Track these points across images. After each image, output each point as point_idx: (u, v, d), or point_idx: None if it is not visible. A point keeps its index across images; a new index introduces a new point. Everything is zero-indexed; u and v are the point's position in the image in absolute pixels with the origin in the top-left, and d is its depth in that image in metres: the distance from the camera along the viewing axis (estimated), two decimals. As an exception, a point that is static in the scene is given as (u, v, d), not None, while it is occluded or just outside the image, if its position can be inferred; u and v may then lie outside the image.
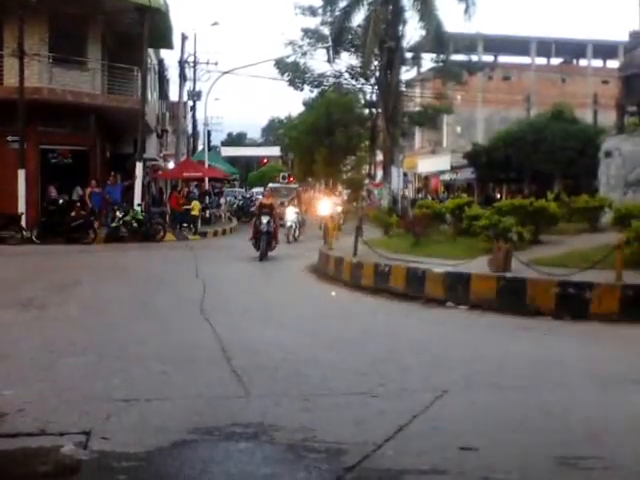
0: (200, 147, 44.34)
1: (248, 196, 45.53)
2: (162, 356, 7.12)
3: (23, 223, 21.95)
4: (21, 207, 22.48)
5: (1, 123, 23.00)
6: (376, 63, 35.97)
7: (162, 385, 6.13)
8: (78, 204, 23.33)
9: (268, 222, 17.54)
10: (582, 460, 4.47)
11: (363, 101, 45.95)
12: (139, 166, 25.58)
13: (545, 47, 55.80)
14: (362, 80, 42.25)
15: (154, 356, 7.12)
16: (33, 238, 21.41)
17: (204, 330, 8.53)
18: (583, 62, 59.00)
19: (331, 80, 43.35)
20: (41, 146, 24.22)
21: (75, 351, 7.32)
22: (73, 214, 22.40)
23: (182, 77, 38.65)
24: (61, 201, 23.38)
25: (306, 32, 40.14)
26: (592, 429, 5.10)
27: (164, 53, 39.72)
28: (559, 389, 6.17)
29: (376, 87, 38.84)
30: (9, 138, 23.06)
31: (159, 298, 11.38)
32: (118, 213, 22.83)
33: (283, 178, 48.53)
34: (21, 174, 22.74)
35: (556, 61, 59.74)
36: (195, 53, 40.77)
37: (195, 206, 27.82)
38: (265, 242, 17.31)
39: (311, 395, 5.83)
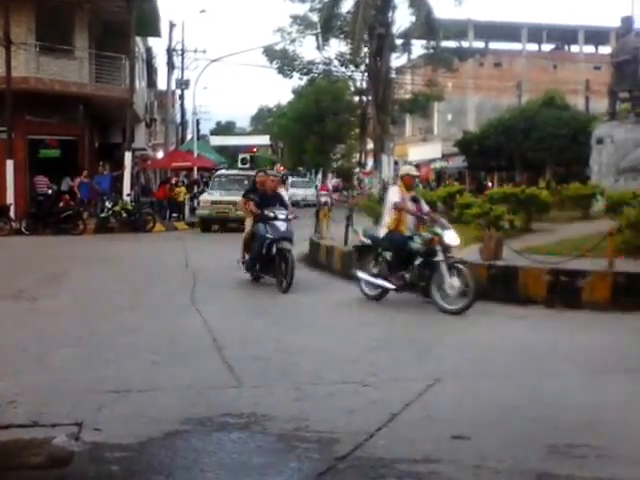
0: (189, 136, 44.16)
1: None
2: (153, 347, 7.11)
3: (12, 214, 21.83)
4: (10, 198, 22.37)
5: (-12, 113, 22.83)
6: (366, 50, 35.94)
7: (154, 376, 6.11)
8: (67, 195, 23.21)
9: (287, 220, 11.20)
10: (575, 448, 4.49)
11: (353, 88, 45.93)
12: (128, 156, 25.49)
13: (536, 33, 55.82)
14: (352, 67, 42.23)
15: (145, 347, 7.10)
16: (22, 229, 21.29)
17: (195, 320, 8.51)
18: (575, 48, 59.08)
19: (320, 67, 43.31)
20: (29, 136, 24.08)
21: (67, 342, 7.29)
22: (62, 205, 22.29)
23: (170, 65, 38.43)
24: (50, 192, 23.25)
25: (295, 19, 40.02)
26: (585, 417, 5.12)
27: (152, 41, 39.55)
28: (551, 377, 6.18)
29: (366, 74, 38.84)
30: (-4, 129, 22.91)
31: (150, 288, 11.34)
32: (107, 203, 22.74)
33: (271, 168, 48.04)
34: (9, 165, 22.60)
35: (547, 47, 59.80)
36: (183, 41, 40.61)
37: (179, 192, 27.75)
38: (290, 265, 10.60)
39: (303, 385, 5.83)
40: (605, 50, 51.94)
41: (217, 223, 23.13)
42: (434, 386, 5.78)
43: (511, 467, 4.20)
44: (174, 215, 27.59)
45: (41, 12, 23.86)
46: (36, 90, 23.06)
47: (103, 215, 22.58)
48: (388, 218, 9.87)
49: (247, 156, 27.38)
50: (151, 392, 5.65)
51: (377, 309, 9.58)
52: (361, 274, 10.05)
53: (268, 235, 10.87)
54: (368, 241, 10.19)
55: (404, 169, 10.80)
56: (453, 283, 8.94)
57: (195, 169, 33.41)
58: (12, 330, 7.99)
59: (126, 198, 23.88)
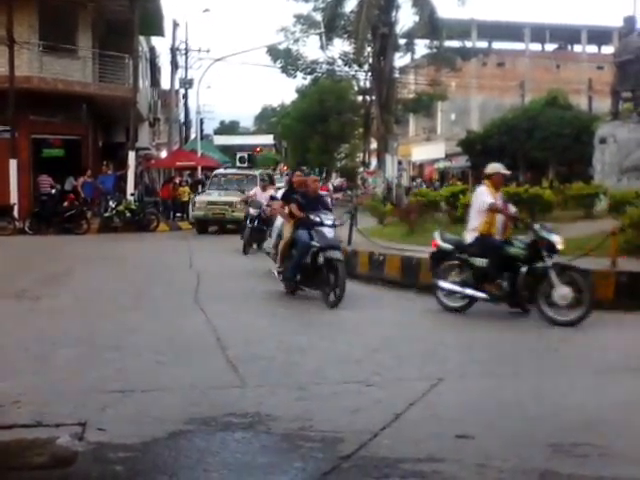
0: (192, 135, 44.18)
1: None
2: (157, 346, 7.11)
3: (15, 214, 21.85)
4: (13, 197, 22.38)
5: (-8, 112, 22.86)
6: (369, 49, 35.84)
7: (157, 376, 6.11)
8: (71, 194, 23.24)
9: (334, 225, 10.19)
10: (577, 447, 4.49)
11: (356, 88, 45.86)
12: (132, 155, 25.50)
13: (539, 33, 55.71)
14: (355, 67, 42.14)
15: (149, 346, 7.11)
16: (26, 229, 21.32)
17: (199, 320, 8.51)
18: (577, 48, 58.94)
19: (324, 67, 43.23)
20: (33, 136, 24.10)
21: (70, 342, 7.30)
22: (66, 204, 22.32)
23: (174, 65, 38.47)
24: (53, 191, 23.29)
25: (298, 18, 39.99)
26: (587, 416, 5.12)
27: (155, 40, 39.52)
28: (554, 376, 6.19)
29: (369, 74, 38.75)
30: (0, 128, 22.91)
31: (153, 288, 11.35)
32: (111, 203, 22.73)
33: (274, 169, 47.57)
34: (13, 164, 22.62)
35: (550, 47, 59.67)
36: (187, 40, 40.66)
37: (184, 191, 27.73)
38: (342, 277, 9.43)
39: (307, 384, 5.83)
40: (608, 50, 51.82)
41: (213, 225, 22.49)
42: (438, 385, 5.78)
43: (515, 466, 4.20)
44: (178, 215, 27.59)
45: (44, 11, 23.87)
46: (39, 89, 23.07)
47: (107, 215, 22.59)
48: (477, 221, 9.05)
49: (245, 155, 26.88)
50: (155, 392, 5.65)
51: (381, 308, 9.57)
52: (443, 283, 9.22)
53: (314, 243, 9.78)
54: (448, 246, 9.33)
55: (493, 167, 9.55)
56: (564, 292, 8.21)
57: (199, 168, 33.41)
58: (14, 330, 8.00)
59: (130, 198, 23.88)
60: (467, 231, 9.24)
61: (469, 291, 9.02)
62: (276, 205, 12.87)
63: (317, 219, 9.91)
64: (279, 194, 13.66)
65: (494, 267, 8.82)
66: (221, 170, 27.09)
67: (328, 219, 10.00)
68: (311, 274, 9.91)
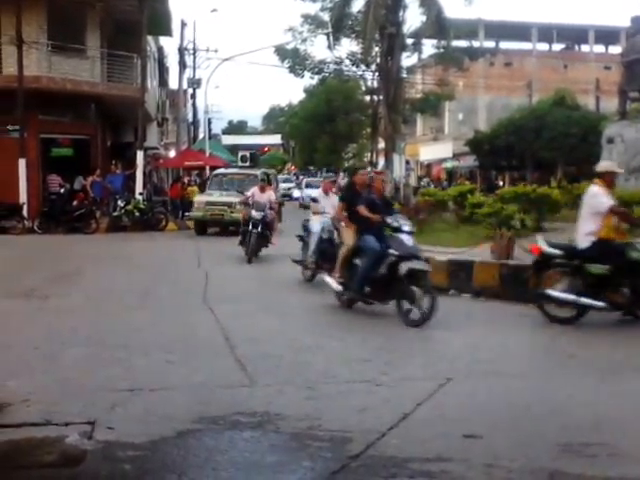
0: (201, 135, 44.25)
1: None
2: (165, 345, 7.13)
3: (25, 213, 21.93)
4: (22, 197, 22.45)
5: (1, 112, 22.90)
6: (377, 49, 35.78)
7: (166, 375, 6.13)
8: (80, 193, 23.32)
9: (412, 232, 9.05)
10: (586, 447, 4.49)
11: (364, 88, 45.81)
12: (140, 155, 25.55)
13: (546, 33, 55.60)
14: (363, 67, 42.07)
15: (157, 346, 7.13)
16: (35, 228, 21.39)
17: (207, 319, 8.53)
18: (585, 48, 58.79)
19: (332, 67, 43.18)
20: (41, 135, 24.15)
21: (79, 341, 7.33)
22: (75, 204, 22.39)
23: (182, 64, 38.49)
24: (62, 190, 23.36)
25: (306, 18, 39.99)
26: (595, 416, 5.11)
27: (163, 40, 39.58)
28: (561, 376, 6.19)
29: (377, 74, 38.69)
30: (9, 127, 22.99)
31: (162, 287, 11.38)
32: (120, 202, 22.77)
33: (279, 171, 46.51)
34: (22, 163, 22.70)
35: (558, 47, 59.54)
36: (194, 40, 40.66)
37: (192, 191, 27.75)
38: (430, 293, 8.29)
39: (315, 383, 5.84)
40: (615, 50, 51.65)
41: (212, 226, 21.72)
42: (446, 385, 5.78)
43: (522, 466, 4.20)
44: (186, 214, 27.58)
45: (53, 11, 23.91)
46: (48, 89, 23.12)
47: (116, 214, 22.63)
48: (594, 224, 8.30)
49: (247, 154, 26.31)
50: (163, 391, 5.67)
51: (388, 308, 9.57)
52: (554, 292, 8.41)
53: (392, 251, 8.66)
54: (556, 252, 8.59)
55: (605, 165, 8.94)
56: None
57: (207, 168, 33.46)
58: (23, 329, 8.05)
59: (138, 197, 23.90)
60: (580, 235, 8.45)
61: (586, 300, 8.19)
62: (315, 208, 12.30)
63: (395, 224, 8.82)
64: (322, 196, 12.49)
65: (617, 273, 8.16)
66: (222, 170, 25.99)
67: (406, 225, 8.92)
68: (384, 286, 8.74)
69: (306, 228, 12.21)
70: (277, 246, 14.93)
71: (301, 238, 12.40)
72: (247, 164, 25.22)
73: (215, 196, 21.43)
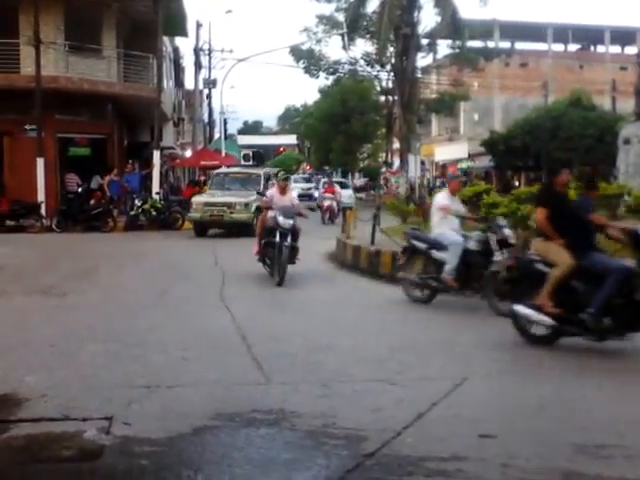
0: (216, 135, 44.42)
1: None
2: (182, 343, 7.17)
3: (43, 212, 22.09)
4: (40, 196, 22.63)
5: (19, 112, 23.07)
6: (392, 50, 35.87)
7: (183, 372, 6.17)
8: (98, 192, 23.48)
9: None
10: (602, 449, 4.48)
11: (379, 88, 45.85)
12: (156, 154, 25.70)
13: (562, 33, 55.42)
14: (378, 67, 42.15)
15: (174, 343, 7.17)
16: (53, 226, 21.55)
17: (224, 317, 8.56)
18: (601, 48, 58.57)
19: (346, 67, 43.29)
20: (59, 135, 24.35)
21: (96, 338, 7.39)
22: (92, 202, 22.54)
23: (197, 65, 38.66)
24: (80, 189, 23.53)
25: (321, 19, 40.07)
26: (611, 417, 5.09)
27: (179, 41, 39.84)
28: (577, 377, 6.16)
29: (392, 74, 38.72)
30: (27, 127, 23.17)
31: (178, 285, 11.40)
32: (137, 201, 22.86)
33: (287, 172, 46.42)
34: (40, 163, 22.88)
35: (573, 47, 59.38)
36: (210, 41, 40.87)
37: (205, 190, 27.75)
38: None
39: (330, 382, 5.86)
40: (631, 50, 51.46)
41: (211, 227, 20.66)
42: (461, 385, 5.78)
43: (538, 466, 4.20)
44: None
45: (70, 12, 24.09)
46: (65, 89, 23.31)
47: (133, 213, 22.73)
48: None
49: (250, 152, 25.59)
50: (180, 388, 5.70)
51: (404, 307, 9.57)
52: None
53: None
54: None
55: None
56: None
57: (223, 168, 33.57)
58: (41, 325, 8.11)
59: (155, 196, 24.01)
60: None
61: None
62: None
63: None
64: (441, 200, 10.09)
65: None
66: (224, 169, 24.88)
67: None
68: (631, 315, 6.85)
69: (418, 237, 9.97)
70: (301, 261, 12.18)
71: (410, 250, 10.07)
72: (250, 163, 24.61)
73: (214, 196, 20.63)
